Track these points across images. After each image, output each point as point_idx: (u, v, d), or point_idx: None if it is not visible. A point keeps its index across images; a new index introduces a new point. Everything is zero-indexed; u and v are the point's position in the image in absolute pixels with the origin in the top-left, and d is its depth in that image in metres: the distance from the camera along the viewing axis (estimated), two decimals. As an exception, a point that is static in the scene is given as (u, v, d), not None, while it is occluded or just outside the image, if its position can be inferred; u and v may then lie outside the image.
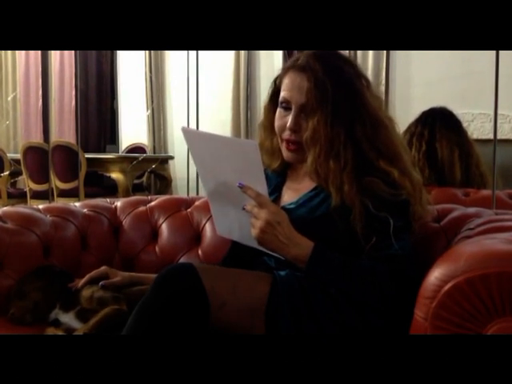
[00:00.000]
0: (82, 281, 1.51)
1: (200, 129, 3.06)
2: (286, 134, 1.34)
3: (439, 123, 2.37)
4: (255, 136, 1.51)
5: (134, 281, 1.52)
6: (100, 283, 1.47)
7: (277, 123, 1.36)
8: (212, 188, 1.34)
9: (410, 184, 1.28)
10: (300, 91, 1.30)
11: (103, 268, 1.54)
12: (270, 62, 4.93)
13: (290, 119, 1.32)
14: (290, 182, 1.45)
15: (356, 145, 1.29)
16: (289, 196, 1.41)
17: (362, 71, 1.37)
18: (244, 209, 1.23)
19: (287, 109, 1.33)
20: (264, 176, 1.21)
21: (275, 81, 1.40)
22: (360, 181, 1.26)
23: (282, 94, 1.34)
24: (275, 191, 1.44)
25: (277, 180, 1.46)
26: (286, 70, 1.35)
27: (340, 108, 1.28)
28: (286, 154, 1.37)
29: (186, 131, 1.30)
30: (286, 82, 1.34)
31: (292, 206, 1.36)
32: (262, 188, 1.22)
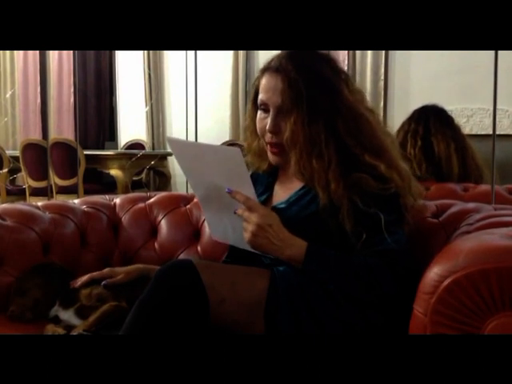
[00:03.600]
0: (83, 279, 1.50)
1: (199, 125, 3.06)
2: (268, 137, 1.34)
3: (433, 118, 2.39)
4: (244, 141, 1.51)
5: (141, 273, 1.50)
6: (102, 283, 1.46)
7: (258, 125, 1.36)
8: (203, 195, 1.34)
9: (398, 176, 1.28)
10: (275, 93, 1.30)
11: (106, 270, 1.52)
12: (269, 57, 4.91)
13: (268, 122, 1.31)
14: (280, 181, 1.44)
15: (339, 141, 1.28)
16: (280, 195, 1.41)
17: (339, 66, 1.36)
18: (235, 213, 1.23)
19: (266, 111, 1.33)
20: (250, 180, 1.22)
21: (254, 83, 1.40)
22: (347, 178, 1.26)
23: (260, 96, 1.34)
24: (267, 190, 1.44)
25: (268, 179, 1.46)
26: (262, 72, 1.35)
27: (316, 106, 1.27)
28: (271, 157, 1.37)
29: (171, 141, 1.30)
30: (262, 83, 1.34)
31: (283, 206, 1.36)
32: (250, 192, 1.22)
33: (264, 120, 1.34)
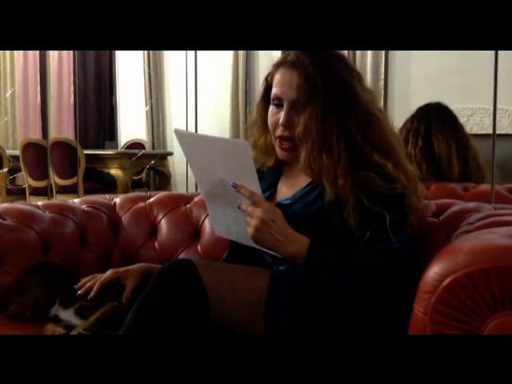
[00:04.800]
0: (94, 289, 1.44)
1: (199, 124, 3.06)
2: (279, 131, 1.34)
3: (435, 118, 2.38)
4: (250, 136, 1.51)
5: (147, 272, 1.48)
6: (124, 300, 1.42)
7: (270, 120, 1.36)
8: (207, 189, 1.34)
9: (405, 176, 1.29)
10: (291, 87, 1.30)
11: (112, 273, 1.48)
12: (269, 57, 4.90)
13: (282, 115, 1.32)
14: (285, 177, 1.44)
15: (349, 139, 1.29)
16: (284, 192, 1.41)
17: (352, 65, 1.37)
18: (239, 208, 1.23)
19: (279, 105, 1.33)
20: (256, 174, 1.22)
21: (266, 78, 1.40)
22: (354, 175, 1.26)
23: (274, 90, 1.34)
24: (271, 187, 1.44)
25: (272, 176, 1.46)
26: (276, 67, 1.36)
27: (331, 102, 1.28)
28: (279, 152, 1.37)
29: (179, 133, 1.30)
30: (276, 78, 1.34)
31: (288, 202, 1.36)
32: (256, 186, 1.22)
33: (276, 114, 1.34)
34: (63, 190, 4.89)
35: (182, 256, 1.80)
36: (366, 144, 1.29)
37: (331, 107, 1.28)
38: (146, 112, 6.10)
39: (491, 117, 2.25)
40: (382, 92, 4.61)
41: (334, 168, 1.28)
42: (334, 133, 1.28)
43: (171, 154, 5.70)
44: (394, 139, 1.34)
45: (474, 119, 4.10)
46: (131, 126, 6.28)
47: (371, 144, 1.29)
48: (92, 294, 1.44)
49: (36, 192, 4.98)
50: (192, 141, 1.33)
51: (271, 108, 1.36)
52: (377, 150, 1.29)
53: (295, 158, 1.36)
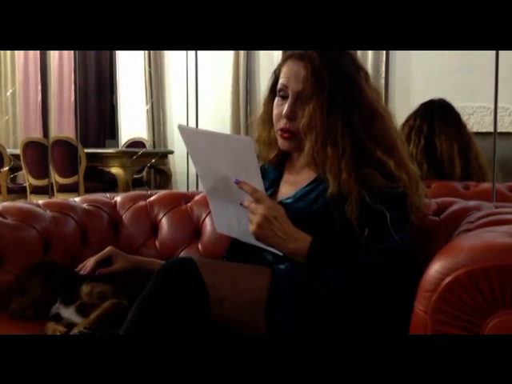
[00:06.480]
0: (90, 266, 1.51)
1: (200, 123, 3.05)
2: (282, 123, 1.34)
3: (438, 117, 2.37)
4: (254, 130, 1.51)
5: (139, 267, 1.53)
6: (97, 272, 1.50)
7: (274, 112, 1.36)
8: (210, 185, 1.34)
9: (407, 176, 1.29)
10: (297, 79, 1.31)
11: (108, 249, 1.55)
12: (270, 56, 4.91)
13: (286, 107, 1.32)
14: (287, 175, 1.45)
15: (354, 133, 1.29)
16: (286, 190, 1.41)
17: (360, 63, 1.37)
18: (242, 204, 1.23)
19: (284, 97, 1.34)
20: (259, 171, 1.22)
21: (275, 71, 1.41)
22: (358, 170, 1.26)
23: (280, 81, 1.35)
24: (273, 185, 1.44)
25: (274, 174, 1.46)
26: (284, 59, 1.36)
27: (336, 96, 1.28)
28: (280, 142, 1.37)
29: (183, 129, 1.30)
30: (284, 70, 1.35)
31: (289, 201, 1.36)
32: (258, 183, 1.22)
33: (281, 106, 1.34)
34: (64, 189, 4.89)
35: (182, 254, 1.80)
36: (370, 140, 1.29)
37: (336, 101, 1.28)
38: (147, 111, 6.10)
39: (492, 115, 2.25)
40: (383, 90, 4.61)
41: (339, 161, 1.28)
42: (338, 127, 1.29)
43: (172, 152, 5.71)
44: (397, 138, 1.35)
45: (474, 118, 4.10)
46: (132, 124, 6.28)
47: (375, 140, 1.29)
48: (88, 270, 1.50)
49: (37, 191, 4.98)
50: (195, 136, 1.33)
51: (276, 100, 1.36)
52: (380, 147, 1.29)
53: (296, 148, 1.36)
